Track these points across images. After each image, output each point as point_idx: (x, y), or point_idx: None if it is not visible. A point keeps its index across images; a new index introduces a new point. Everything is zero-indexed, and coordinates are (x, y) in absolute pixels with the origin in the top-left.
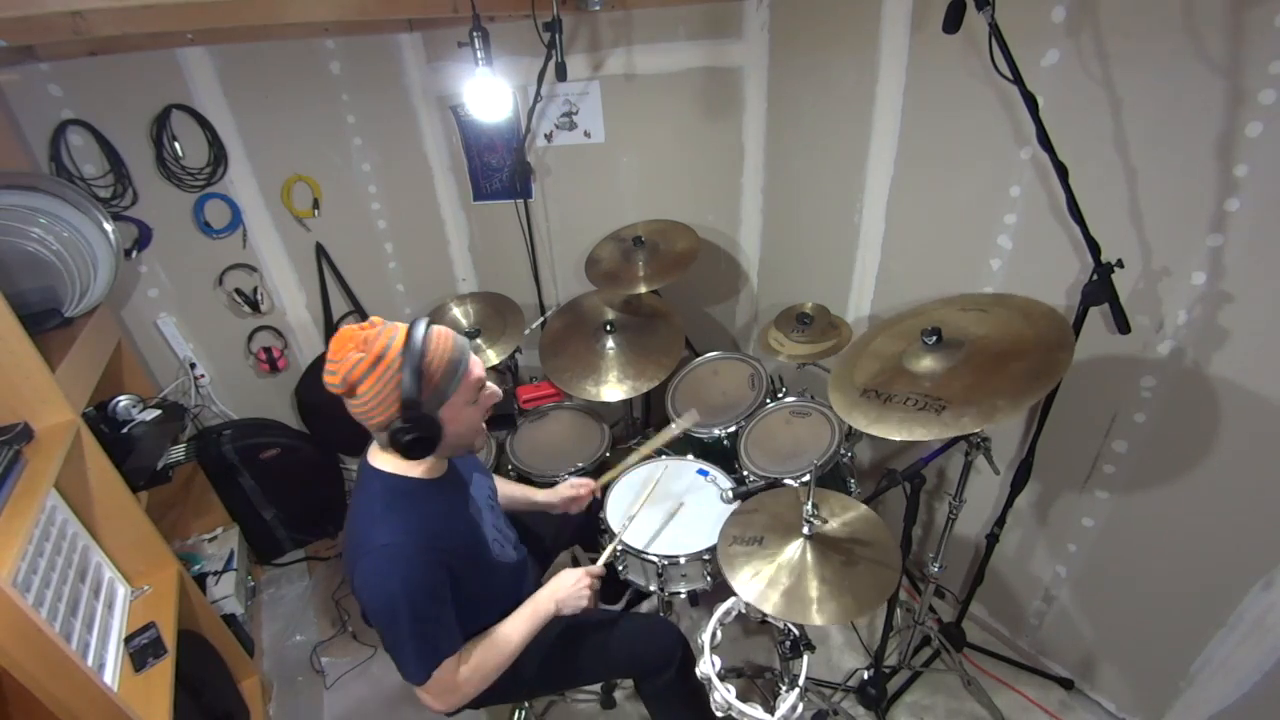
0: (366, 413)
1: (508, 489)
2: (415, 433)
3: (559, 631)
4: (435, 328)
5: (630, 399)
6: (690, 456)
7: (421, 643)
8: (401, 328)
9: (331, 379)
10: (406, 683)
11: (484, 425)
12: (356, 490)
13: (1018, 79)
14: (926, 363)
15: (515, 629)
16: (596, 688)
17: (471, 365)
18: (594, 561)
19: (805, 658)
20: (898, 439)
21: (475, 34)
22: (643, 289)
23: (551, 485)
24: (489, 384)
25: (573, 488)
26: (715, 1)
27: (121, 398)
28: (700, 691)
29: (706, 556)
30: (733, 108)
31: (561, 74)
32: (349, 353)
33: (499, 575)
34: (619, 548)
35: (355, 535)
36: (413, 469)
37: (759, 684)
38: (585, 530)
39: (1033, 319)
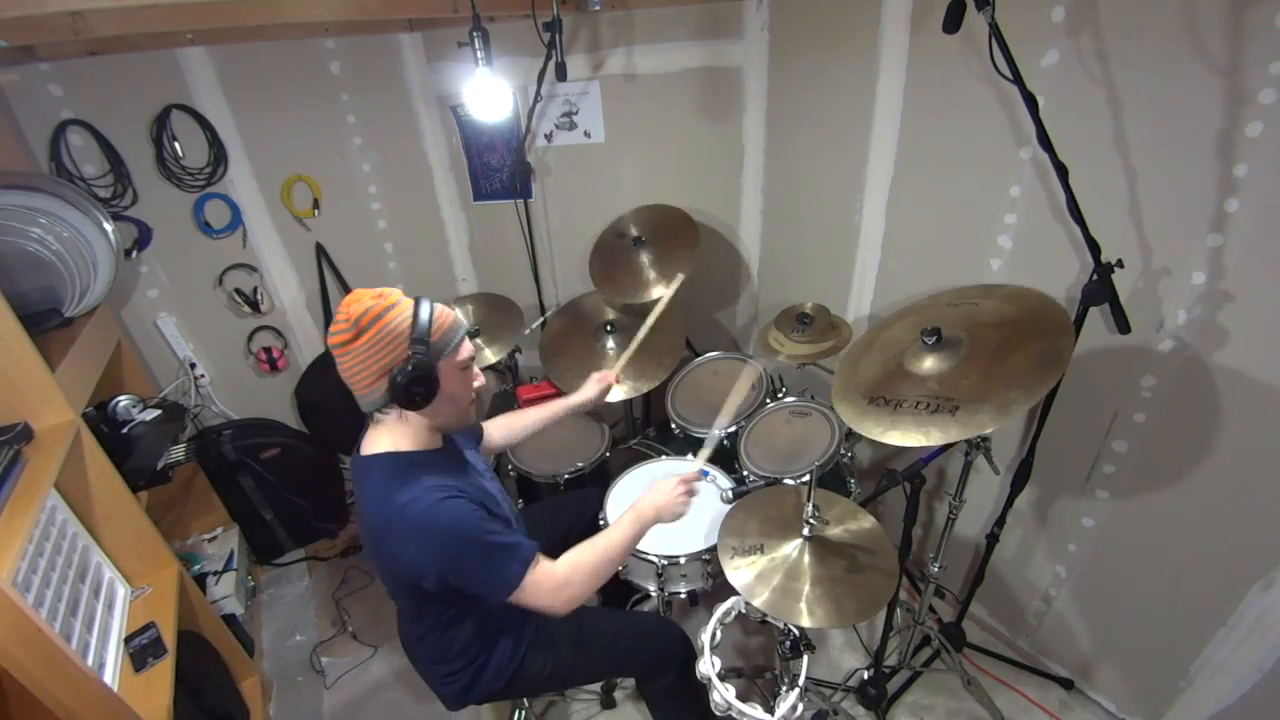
0: (368, 357)
1: (537, 413)
2: (418, 372)
3: (563, 630)
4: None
5: (630, 399)
6: (690, 456)
7: (498, 554)
8: None
9: (338, 325)
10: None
11: (477, 399)
12: (358, 488)
13: (1018, 79)
14: (929, 363)
15: (618, 533)
16: (596, 687)
17: (464, 338)
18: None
19: (805, 658)
20: (916, 445)
21: (475, 34)
22: None
23: (552, 484)
24: (474, 367)
25: (599, 380)
26: (715, 1)
27: (121, 398)
28: (702, 691)
29: (706, 556)
30: (733, 108)
31: (561, 74)
32: (364, 300)
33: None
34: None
35: (374, 518)
36: (410, 443)
37: (759, 684)
38: (587, 529)
39: (1023, 305)
